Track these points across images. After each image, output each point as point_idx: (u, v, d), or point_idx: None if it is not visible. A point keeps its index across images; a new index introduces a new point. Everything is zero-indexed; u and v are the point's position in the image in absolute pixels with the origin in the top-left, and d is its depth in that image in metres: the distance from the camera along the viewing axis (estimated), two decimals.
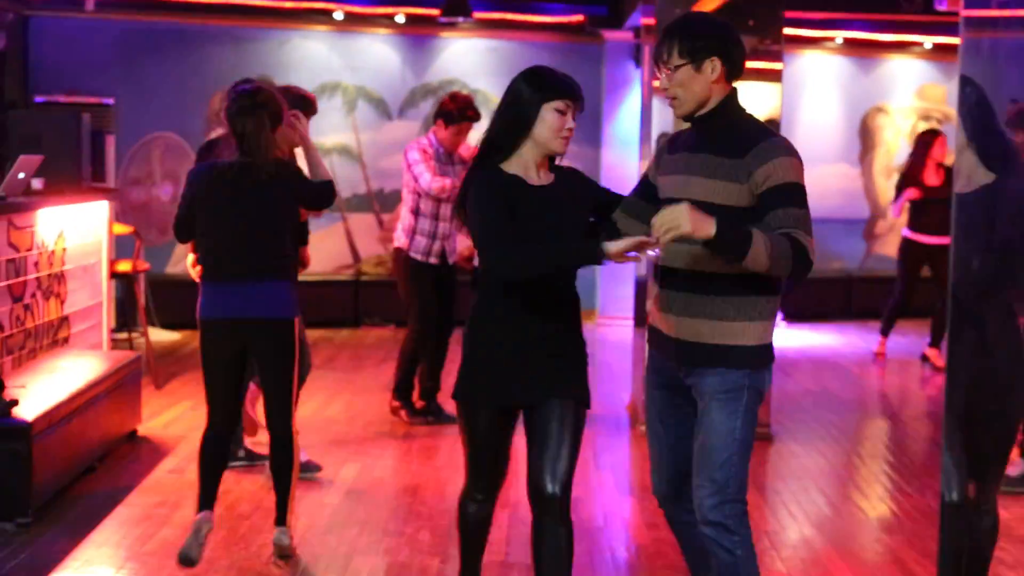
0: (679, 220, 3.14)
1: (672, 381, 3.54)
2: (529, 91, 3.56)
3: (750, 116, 3.47)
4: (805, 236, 3.27)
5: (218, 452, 4.66)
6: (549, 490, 3.58)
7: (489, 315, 3.65)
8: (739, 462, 3.41)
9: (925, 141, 9.64)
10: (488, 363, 3.65)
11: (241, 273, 4.54)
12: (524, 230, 3.50)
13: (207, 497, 4.61)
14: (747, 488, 3.46)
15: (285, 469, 4.72)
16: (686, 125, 3.54)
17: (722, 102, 3.42)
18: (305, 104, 5.50)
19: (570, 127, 3.57)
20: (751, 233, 3.20)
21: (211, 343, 4.60)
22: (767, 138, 3.36)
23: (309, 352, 5.77)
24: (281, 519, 4.75)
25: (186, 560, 4.46)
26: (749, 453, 3.45)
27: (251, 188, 4.54)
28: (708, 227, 3.16)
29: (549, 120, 3.55)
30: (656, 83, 3.41)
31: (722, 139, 3.37)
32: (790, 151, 3.32)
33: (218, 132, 5.97)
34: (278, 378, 4.65)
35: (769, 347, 3.47)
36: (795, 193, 3.30)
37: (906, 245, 9.61)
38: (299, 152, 5.21)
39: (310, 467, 5.86)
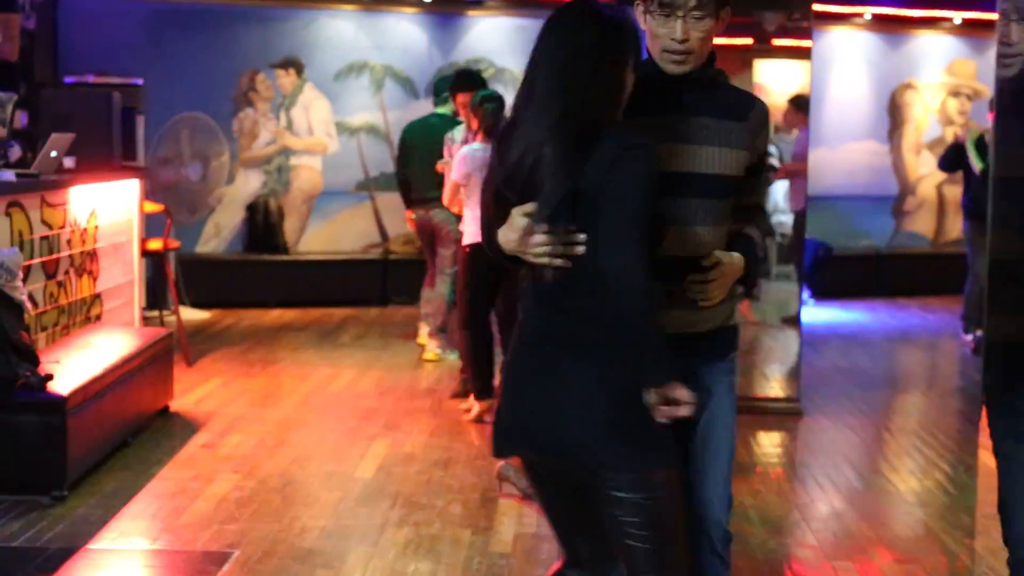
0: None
1: None
2: None
3: (721, 71, 2.98)
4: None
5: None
6: None
7: None
8: None
9: None
10: None
11: None
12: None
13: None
14: None
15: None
16: None
17: (712, 58, 2.92)
18: None
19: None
20: (752, 240, 2.92)
21: None
22: (754, 96, 2.99)
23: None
24: None
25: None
26: None
27: None
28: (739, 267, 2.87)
29: None
30: (661, 31, 2.88)
31: (717, 99, 2.87)
32: None
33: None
34: None
35: None
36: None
37: None
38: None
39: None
